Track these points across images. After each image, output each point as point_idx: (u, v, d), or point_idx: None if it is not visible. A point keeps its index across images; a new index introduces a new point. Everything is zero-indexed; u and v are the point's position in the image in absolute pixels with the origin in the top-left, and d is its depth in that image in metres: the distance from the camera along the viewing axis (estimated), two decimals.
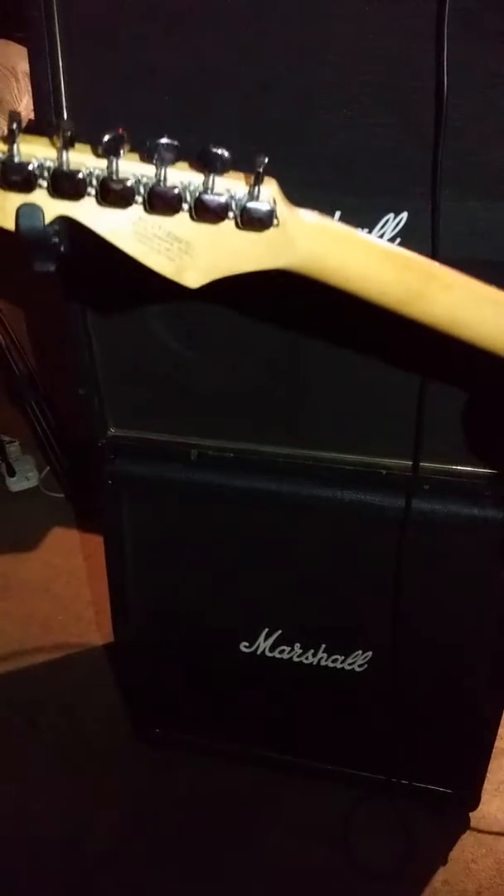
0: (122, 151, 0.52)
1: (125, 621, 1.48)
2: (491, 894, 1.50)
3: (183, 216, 0.56)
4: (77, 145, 0.53)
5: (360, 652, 1.38)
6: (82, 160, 0.53)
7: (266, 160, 0.53)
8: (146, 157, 0.53)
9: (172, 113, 0.95)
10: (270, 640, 1.41)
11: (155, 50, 0.92)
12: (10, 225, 0.55)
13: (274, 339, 1.11)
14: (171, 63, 0.93)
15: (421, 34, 0.84)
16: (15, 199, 0.54)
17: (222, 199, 0.55)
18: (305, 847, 1.58)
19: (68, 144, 0.52)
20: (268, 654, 1.43)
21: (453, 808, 1.60)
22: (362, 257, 0.62)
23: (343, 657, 1.40)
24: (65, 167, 0.52)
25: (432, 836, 1.58)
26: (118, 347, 1.17)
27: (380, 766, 1.56)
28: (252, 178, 0.55)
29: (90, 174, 0.53)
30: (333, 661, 1.41)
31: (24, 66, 2.52)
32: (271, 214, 0.56)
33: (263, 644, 1.42)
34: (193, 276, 0.59)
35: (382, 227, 0.97)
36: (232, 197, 0.55)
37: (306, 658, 1.42)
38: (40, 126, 1.00)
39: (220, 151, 0.53)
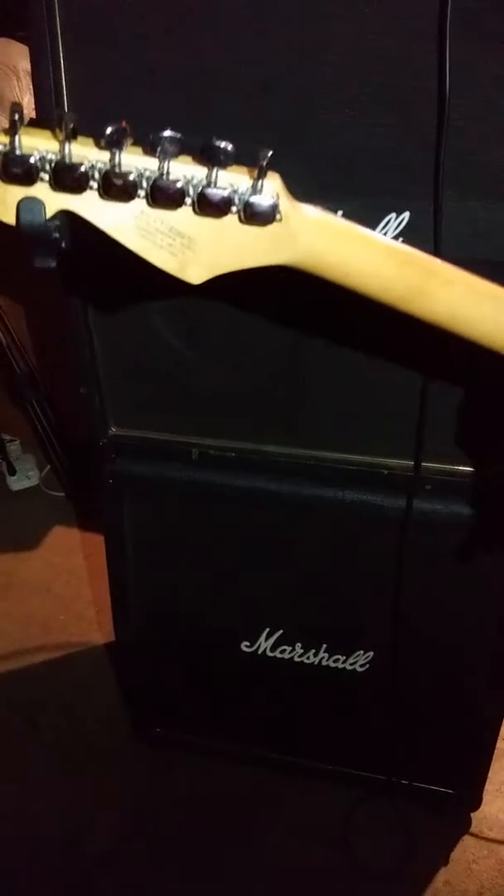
0: (124, 144, 0.52)
1: (126, 621, 1.48)
2: (493, 895, 1.50)
3: (186, 210, 0.55)
4: (79, 138, 0.53)
5: (362, 652, 1.38)
6: (85, 153, 0.52)
7: (270, 154, 0.53)
8: (149, 150, 0.53)
9: (173, 113, 0.95)
10: (272, 640, 1.41)
11: (156, 50, 0.92)
12: (11, 219, 0.54)
13: (275, 338, 1.11)
14: (172, 63, 0.93)
15: (421, 34, 0.84)
16: (16, 193, 0.53)
17: (225, 193, 0.54)
18: (305, 847, 1.58)
19: (70, 136, 0.51)
20: (269, 654, 1.43)
21: (454, 808, 1.60)
22: (364, 253, 0.62)
23: (344, 657, 1.40)
24: (67, 159, 0.52)
25: (433, 836, 1.58)
26: (119, 346, 1.17)
27: (380, 766, 1.56)
28: (255, 172, 0.54)
29: (92, 167, 0.52)
30: (335, 662, 1.41)
31: (25, 64, 2.52)
32: (274, 209, 0.55)
33: (265, 644, 1.42)
34: (196, 272, 0.58)
35: (384, 227, 0.97)
36: (235, 191, 0.55)
37: (307, 658, 1.42)
38: (42, 125, 1.00)
39: (223, 145, 0.52)
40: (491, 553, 1.20)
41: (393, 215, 0.97)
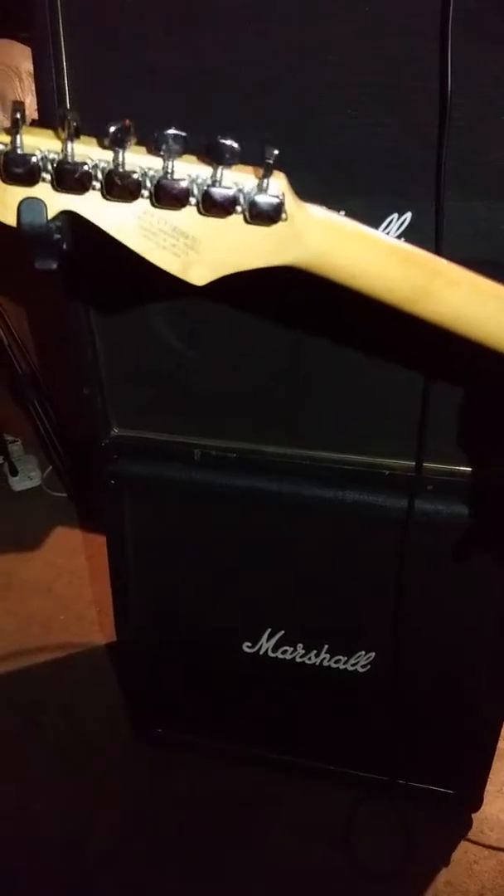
0: (128, 143, 0.51)
1: (127, 621, 1.48)
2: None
3: (190, 210, 0.54)
4: (82, 137, 0.52)
5: (363, 653, 1.38)
6: (87, 152, 0.52)
7: (276, 152, 0.52)
8: (153, 150, 0.52)
9: (174, 113, 0.95)
10: (273, 641, 1.41)
11: (156, 50, 0.93)
12: (12, 220, 0.53)
13: (277, 338, 1.11)
14: (172, 63, 0.93)
15: (421, 34, 0.85)
16: (17, 193, 0.52)
17: (231, 192, 0.53)
18: (306, 847, 1.58)
19: (73, 136, 0.50)
20: (270, 654, 1.43)
21: (455, 809, 1.60)
22: (369, 253, 0.61)
23: (345, 658, 1.40)
24: (69, 159, 0.51)
25: (434, 836, 1.58)
26: (121, 347, 1.17)
27: (381, 766, 1.56)
28: (262, 170, 0.54)
29: (95, 167, 0.52)
30: (336, 662, 1.41)
31: (27, 65, 2.52)
32: (280, 208, 0.55)
33: (266, 644, 1.42)
34: (200, 273, 0.57)
35: (387, 227, 0.97)
36: (240, 190, 0.54)
37: (309, 659, 1.42)
38: (44, 125, 1.00)
39: (229, 143, 0.51)
40: (492, 553, 1.20)
41: (395, 215, 0.97)
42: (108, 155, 0.52)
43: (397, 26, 0.86)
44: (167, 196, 0.53)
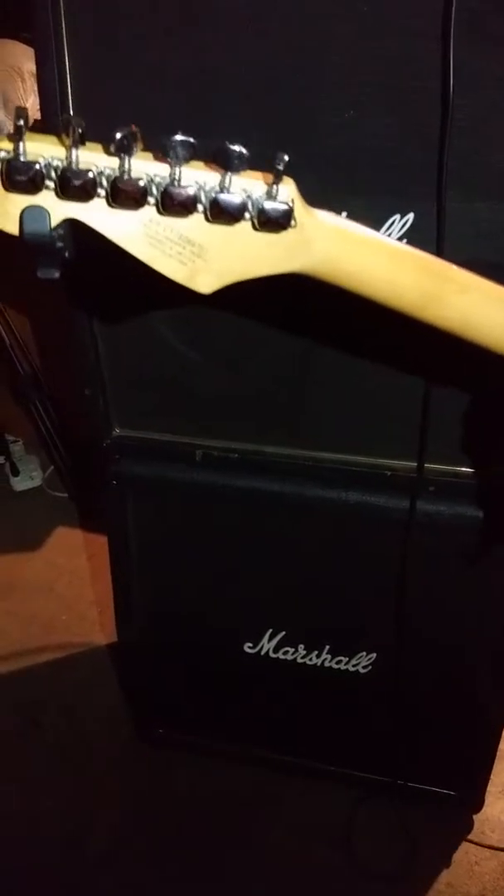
0: (134, 149, 0.50)
1: (129, 621, 1.48)
2: None
3: (197, 218, 0.53)
4: (87, 143, 0.51)
5: (365, 653, 1.38)
6: (92, 159, 0.50)
7: (286, 158, 0.51)
8: (160, 156, 0.51)
9: (176, 113, 0.95)
10: (274, 641, 1.41)
11: (157, 50, 0.93)
12: (13, 229, 0.52)
13: (280, 341, 1.11)
14: (175, 63, 0.93)
15: (421, 34, 0.85)
16: (19, 201, 0.51)
17: (239, 200, 0.52)
18: (306, 847, 1.57)
19: (78, 142, 0.49)
20: (272, 655, 1.43)
21: (456, 810, 1.60)
22: (379, 259, 0.60)
23: (347, 659, 1.40)
24: (74, 166, 0.49)
25: (435, 837, 1.58)
26: (124, 349, 1.17)
27: (382, 767, 1.56)
28: (271, 177, 0.52)
29: (100, 174, 0.50)
30: (338, 663, 1.41)
31: (30, 65, 2.53)
32: (289, 215, 0.54)
33: (268, 645, 1.42)
34: (206, 281, 0.56)
35: (389, 228, 0.97)
36: (249, 196, 0.53)
37: (310, 659, 1.42)
38: (47, 127, 1.00)
39: (238, 149, 0.50)
40: (494, 554, 1.20)
41: (397, 216, 0.97)
42: (113, 162, 0.51)
43: (397, 26, 0.86)
44: (174, 204, 0.52)
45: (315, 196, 0.59)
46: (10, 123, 0.50)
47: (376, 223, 0.97)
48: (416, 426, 1.11)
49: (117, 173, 0.51)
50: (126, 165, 0.50)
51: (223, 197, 0.52)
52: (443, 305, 0.63)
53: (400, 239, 0.98)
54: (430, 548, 1.21)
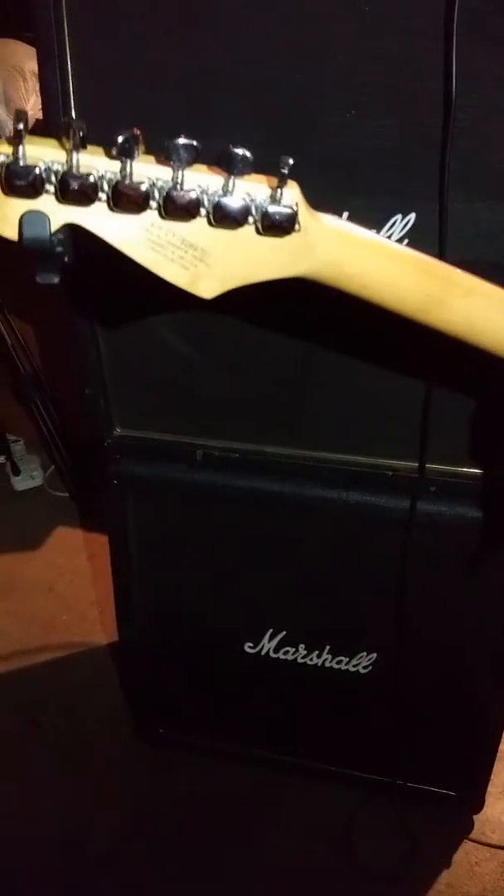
0: (136, 153, 0.49)
1: (129, 621, 1.48)
2: None
3: (200, 222, 0.52)
4: (88, 147, 0.50)
5: (365, 653, 1.38)
6: (93, 163, 0.50)
7: (291, 161, 0.50)
8: (162, 159, 0.50)
9: (176, 113, 0.95)
10: (275, 642, 1.41)
11: (157, 50, 0.93)
12: (12, 234, 0.51)
13: (281, 341, 1.11)
14: (175, 63, 0.93)
15: (422, 34, 0.85)
16: (19, 206, 0.50)
17: (243, 204, 0.52)
18: (306, 847, 1.57)
19: (79, 146, 0.48)
20: (272, 655, 1.43)
21: (457, 810, 1.59)
22: (383, 263, 0.60)
23: (348, 659, 1.40)
24: (75, 170, 0.49)
25: (436, 838, 1.58)
26: (125, 348, 1.17)
27: (382, 767, 1.56)
28: (276, 180, 0.52)
29: (101, 178, 0.50)
30: (338, 663, 1.41)
31: (31, 65, 2.53)
32: (294, 219, 0.53)
33: (268, 645, 1.42)
34: (209, 286, 0.55)
35: (390, 228, 0.97)
36: (252, 200, 0.52)
37: (311, 659, 1.42)
38: (49, 127, 1.01)
39: (241, 152, 0.49)
40: (495, 555, 1.20)
41: (399, 216, 0.97)
42: (114, 165, 0.50)
43: (397, 26, 0.86)
44: (176, 208, 0.51)
45: (316, 196, 0.59)
46: (12, 124, 0.49)
47: (378, 223, 0.97)
48: (417, 426, 1.11)
49: (119, 177, 0.50)
50: (128, 169, 0.50)
51: (226, 201, 0.52)
52: (446, 309, 0.62)
53: (401, 239, 0.98)
54: (431, 548, 1.21)
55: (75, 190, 0.49)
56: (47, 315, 2.46)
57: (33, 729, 1.84)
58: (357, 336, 1.06)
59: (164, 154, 0.50)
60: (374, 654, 1.38)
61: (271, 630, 1.40)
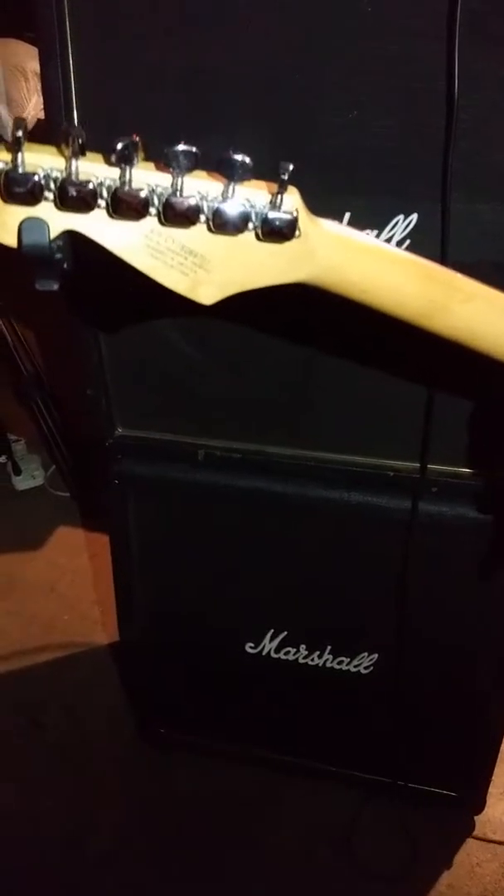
0: (135, 159, 0.49)
1: (131, 621, 1.48)
2: None
3: (200, 228, 0.52)
4: (87, 153, 0.50)
5: (366, 654, 1.38)
6: (92, 169, 0.50)
7: (291, 167, 0.50)
8: (161, 165, 0.50)
9: (176, 113, 0.95)
10: (276, 642, 1.41)
11: (159, 50, 0.92)
12: (12, 241, 0.51)
13: (283, 343, 1.11)
14: (175, 63, 0.93)
15: (423, 34, 0.84)
16: (18, 213, 0.50)
17: (243, 210, 0.51)
18: (307, 848, 1.58)
19: (78, 153, 0.48)
20: (273, 655, 1.43)
21: (458, 811, 1.59)
22: (384, 269, 0.59)
23: (349, 659, 1.40)
24: (74, 177, 0.49)
25: (437, 839, 1.58)
26: (126, 348, 1.17)
27: (383, 768, 1.56)
28: (276, 186, 0.52)
29: (101, 184, 0.50)
30: (339, 663, 1.41)
31: (33, 65, 2.53)
32: (294, 225, 0.53)
33: (269, 645, 1.42)
34: (208, 292, 0.55)
35: (392, 228, 0.97)
36: (252, 207, 0.52)
37: (312, 660, 1.42)
38: (49, 132, 1.00)
39: (241, 158, 0.49)
40: (497, 555, 1.20)
41: (401, 217, 0.97)
42: (114, 172, 0.50)
43: (398, 26, 0.85)
44: (176, 214, 0.51)
45: (317, 197, 0.59)
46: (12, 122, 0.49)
47: (380, 224, 0.97)
48: (419, 427, 1.11)
49: (118, 184, 0.50)
50: (127, 176, 0.49)
51: (225, 207, 0.51)
52: (448, 314, 0.62)
53: (403, 240, 0.98)
54: (432, 548, 1.21)
55: (74, 197, 0.49)
56: (48, 318, 2.47)
57: (34, 729, 1.84)
58: (358, 340, 1.06)
59: (163, 160, 0.50)
60: (376, 655, 1.38)
61: (272, 630, 1.40)
